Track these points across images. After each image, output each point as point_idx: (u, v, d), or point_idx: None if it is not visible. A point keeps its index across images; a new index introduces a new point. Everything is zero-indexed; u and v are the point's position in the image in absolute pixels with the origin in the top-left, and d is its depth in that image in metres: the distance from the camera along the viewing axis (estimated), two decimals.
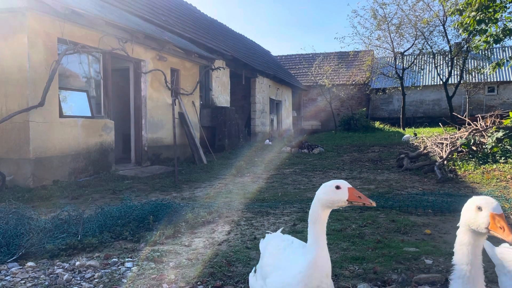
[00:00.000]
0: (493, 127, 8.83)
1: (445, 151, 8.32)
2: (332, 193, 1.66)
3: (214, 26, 17.46)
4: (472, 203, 1.50)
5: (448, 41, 21.49)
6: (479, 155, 8.02)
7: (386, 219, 4.10)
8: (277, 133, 20.21)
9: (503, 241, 1.43)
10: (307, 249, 1.73)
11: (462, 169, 7.33)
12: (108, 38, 7.45)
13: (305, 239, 3.38)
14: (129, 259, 3.00)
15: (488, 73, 11.22)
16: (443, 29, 21.30)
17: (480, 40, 9.26)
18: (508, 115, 9.03)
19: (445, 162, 7.76)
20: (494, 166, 7.26)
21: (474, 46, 10.02)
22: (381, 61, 26.01)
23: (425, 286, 2.46)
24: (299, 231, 3.69)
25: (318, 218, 1.69)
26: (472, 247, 1.49)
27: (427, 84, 28.09)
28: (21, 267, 2.86)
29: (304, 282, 1.62)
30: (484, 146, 8.30)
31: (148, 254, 3.07)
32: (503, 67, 14.83)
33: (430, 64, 28.30)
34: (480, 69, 21.68)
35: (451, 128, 16.69)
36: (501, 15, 9.11)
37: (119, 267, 2.85)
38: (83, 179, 6.80)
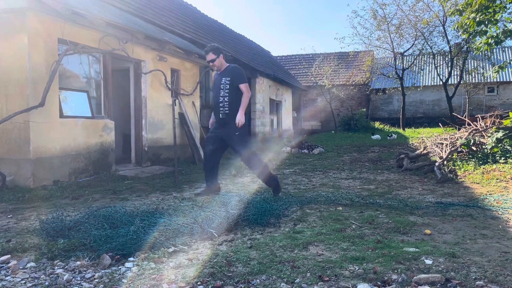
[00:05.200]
0: (493, 127, 8.84)
1: (445, 151, 8.33)
2: None
3: (215, 27, 17.47)
4: None
5: (448, 42, 21.51)
6: (479, 155, 8.02)
7: (386, 219, 4.11)
8: (277, 133, 20.21)
9: None
10: None
11: (462, 169, 7.33)
12: (109, 39, 7.46)
13: (305, 239, 3.39)
14: (129, 259, 3.00)
15: (492, 77, 11.20)
16: (443, 30, 21.33)
17: (481, 42, 9.26)
18: (508, 115, 9.03)
19: (445, 162, 7.76)
20: (494, 166, 7.27)
21: (475, 48, 10.02)
22: (381, 61, 26.03)
23: (425, 286, 2.47)
24: (299, 231, 3.70)
25: None
26: None
27: (427, 84, 28.12)
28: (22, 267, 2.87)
29: None
30: (484, 146, 8.31)
31: (148, 254, 3.07)
32: (505, 70, 14.80)
33: (430, 65, 28.32)
34: (483, 73, 21.70)
35: (451, 128, 16.72)
36: (501, 16, 9.12)
37: (119, 267, 2.86)
38: (84, 179, 6.81)
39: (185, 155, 10.11)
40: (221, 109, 5.21)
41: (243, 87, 5.24)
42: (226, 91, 5.20)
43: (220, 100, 5.20)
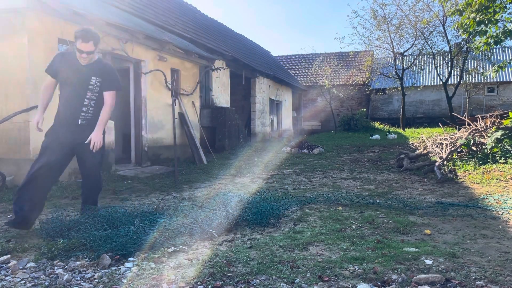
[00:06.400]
0: (493, 127, 8.84)
1: (445, 151, 8.33)
2: None
3: (214, 27, 17.47)
4: None
5: (448, 42, 21.50)
6: (479, 155, 8.02)
7: (386, 219, 4.11)
8: (276, 133, 20.22)
9: None
10: None
11: (462, 169, 7.33)
12: (109, 38, 7.45)
13: (305, 239, 3.39)
14: (129, 259, 3.00)
15: (492, 77, 11.21)
16: (443, 30, 21.32)
17: (480, 41, 9.26)
18: (508, 115, 9.04)
19: (445, 162, 7.76)
20: (494, 166, 7.27)
21: (475, 48, 10.02)
22: (381, 61, 26.02)
23: (425, 286, 2.47)
24: (299, 231, 3.70)
25: None
26: None
27: (427, 84, 28.10)
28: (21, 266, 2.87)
29: None
30: (484, 146, 8.31)
31: (148, 254, 3.07)
32: (505, 69, 14.79)
33: (430, 65, 28.31)
34: (482, 72, 21.72)
35: (451, 128, 16.73)
36: (501, 16, 9.12)
37: (119, 267, 2.86)
38: None
39: (185, 155, 10.10)
40: (83, 113, 3.99)
41: (109, 96, 4.04)
42: (95, 93, 4.03)
43: (86, 102, 3.98)
